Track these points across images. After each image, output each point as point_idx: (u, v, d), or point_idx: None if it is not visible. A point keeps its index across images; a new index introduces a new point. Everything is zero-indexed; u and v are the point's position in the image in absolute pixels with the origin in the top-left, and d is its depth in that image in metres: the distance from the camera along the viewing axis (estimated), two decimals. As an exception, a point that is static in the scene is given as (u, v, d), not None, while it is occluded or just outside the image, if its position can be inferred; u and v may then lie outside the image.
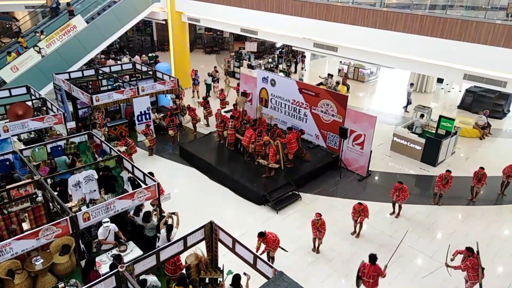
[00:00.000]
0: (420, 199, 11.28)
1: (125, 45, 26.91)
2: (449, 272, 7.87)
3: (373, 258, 7.30)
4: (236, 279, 6.45)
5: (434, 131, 13.32)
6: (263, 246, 8.22)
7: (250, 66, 22.53)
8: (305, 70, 25.01)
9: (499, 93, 17.04)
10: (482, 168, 10.82)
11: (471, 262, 7.47)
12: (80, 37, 16.36)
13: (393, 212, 10.60)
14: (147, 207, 8.99)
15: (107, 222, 7.73)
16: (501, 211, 10.94)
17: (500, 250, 9.32)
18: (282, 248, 8.39)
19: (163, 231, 7.61)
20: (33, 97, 13.70)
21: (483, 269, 7.53)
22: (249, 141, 11.85)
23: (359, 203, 9.39)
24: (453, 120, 12.85)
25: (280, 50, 26.09)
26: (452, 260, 7.87)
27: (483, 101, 17.57)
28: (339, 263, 8.94)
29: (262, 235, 8.08)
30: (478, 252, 7.52)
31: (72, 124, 12.76)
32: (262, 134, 11.77)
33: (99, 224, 7.92)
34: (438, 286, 8.20)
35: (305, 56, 25.54)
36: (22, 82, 14.28)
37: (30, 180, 8.24)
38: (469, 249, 7.58)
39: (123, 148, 12.34)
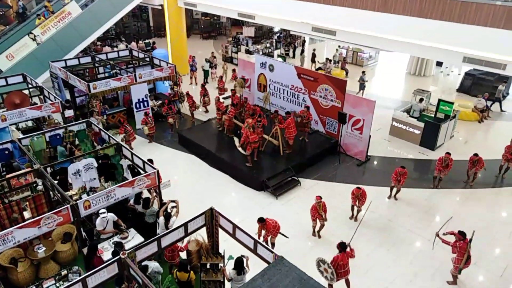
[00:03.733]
0: (419, 183, 11.34)
1: (121, 32, 26.61)
2: (434, 244, 7.91)
3: (344, 245, 7.25)
4: (239, 262, 6.53)
5: (433, 115, 13.31)
6: (263, 232, 8.30)
7: (248, 52, 22.34)
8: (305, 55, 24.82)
9: (498, 76, 16.96)
10: (476, 154, 10.82)
11: (460, 244, 7.54)
12: (76, 24, 16.17)
13: (390, 196, 10.67)
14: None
15: (104, 213, 7.72)
16: (499, 194, 11.02)
17: (497, 233, 9.43)
18: (283, 234, 8.47)
19: (161, 218, 7.66)
20: (29, 86, 13.62)
21: (469, 257, 7.57)
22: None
23: (358, 188, 9.44)
24: (452, 103, 12.83)
25: (278, 34, 25.83)
26: (444, 234, 7.91)
27: (482, 84, 17.50)
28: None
29: (262, 221, 8.16)
30: (471, 240, 7.55)
31: (70, 113, 12.71)
32: (262, 120, 11.75)
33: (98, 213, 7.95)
34: (435, 270, 8.31)
35: (305, 41, 25.29)
36: (18, 71, 14.17)
37: (30, 169, 8.25)
38: (461, 233, 7.62)
39: (121, 136, 12.34)
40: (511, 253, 8.81)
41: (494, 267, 8.41)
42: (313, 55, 21.49)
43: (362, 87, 17.49)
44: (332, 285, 7.46)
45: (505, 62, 10.25)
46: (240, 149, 11.97)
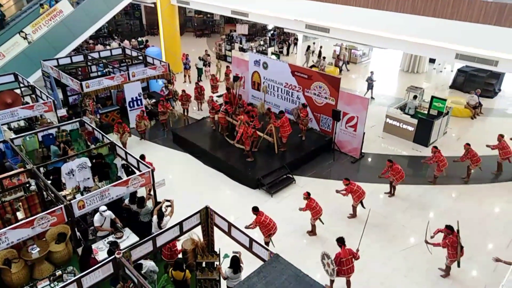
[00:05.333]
0: (413, 179, 11.40)
1: (113, 30, 26.42)
2: (429, 249, 8.01)
3: (341, 240, 7.31)
4: (235, 260, 6.54)
5: (426, 112, 13.39)
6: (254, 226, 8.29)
7: (242, 49, 22.29)
8: (296, 53, 24.78)
9: (490, 73, 17.10)
10: (468, 144, 10.95)
11: (450, 240, 7.62)
12: (67, 22, 16.03)
13: (390, 192, 10.73)
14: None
15: (105, 211, 7.74)
16: (493, 189, 11.12)
17: (491, 227, 9.53)
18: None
19: (155, 217, 7.64)
20: (21, 85, 13.48)
21: (462, 247, 7.68)
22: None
23: (346, 178, 9.52)
24: (445, 100, 12.92)
25: (272, 32, 25.79)
26: (432, 237, 7.99)
27: (474, 81, 17.64)
28: (334, 244, 9.01)
29: (256, 210, 8.20)
30: (458, 231, 7.65)
31: (63, 112, 12.61)
32: (255, 119, 11.74)
33: (95, 211, 7.92)
34: (430, 265, 8.38)
35: (297, 39, 25.27)
36: (9, 70, 14.04)
37: (22, 169, 8.18)
38: (448, 227, 7.70)
39: (115, 136, 12.28)
40: (504, 248, 8.91)
41: (487, 262, 8.47)
42: (320, 53, 21.48)
43: (370, 87, 17.02)
44: (334, 281, 7.49)
45: (497, 59, 10.34)
46: (237, 144, 11.97)
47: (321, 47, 21.93)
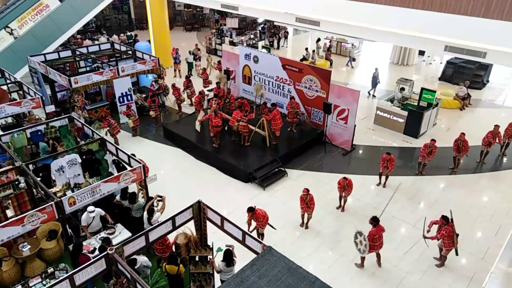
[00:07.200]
0: (403, 170, 11.53)
1: (102, 24, 26.06)
2: (427, 243, 8.20)
3: (376, 219, 7.78)
4: (228, 253, 6.56)
5: (416, 104, 13.51)
6: (254, 223, 8.31)
7: (232, 43, 22.19)
8: (286, 46, 24.75)
9: (479, 64, 17.29)
10: (463, 133, 11.08)
11: (446, 230, 7.75)
12: (54, 17, 15.78)
13: (379, 183, 10.83)
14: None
15: (92, 212, 7.62)
16: (480, 179, 11.30)
17: (479, 216, 9.69)
18: (271, 225, 8.52)
19: (145, 213, 7.61)
20: (8, 81, 13.26)
21: (457, 235, 7.83)
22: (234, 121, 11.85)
23: (344, 178, 9.52)
24: (435, 92, 13.04)
25: (262, 25, 25.70)
26: (428, 231, 8.16)
27: (463, 72, 17.82)
28: (326, 236, 9.15)
29: (251, 210, 8.18)
30: (452, 220, 7.80)
31: (51, 108, 12.44)
32: (248, 115, 11.73)
33: (85, 208, 7.85)
34: (420, 254, 8.51)
35: (287, 32, 25.24)
36: (-5, 66, 13.78)
37: (11, 166, 8.07)
38: (444, 218, 7.85)
39: (105, 130, 12.17)
40: (492, 236, 9.08)
41: (476, 250, 8.66)
42: (329, 46, 21.43)
43: (374, 84, 16.67)
44: (365, 258, 8.03)
45: (485, 50, 10.44)
46: (197, 123, 12.54)
47: (330, 41, 21.85)
